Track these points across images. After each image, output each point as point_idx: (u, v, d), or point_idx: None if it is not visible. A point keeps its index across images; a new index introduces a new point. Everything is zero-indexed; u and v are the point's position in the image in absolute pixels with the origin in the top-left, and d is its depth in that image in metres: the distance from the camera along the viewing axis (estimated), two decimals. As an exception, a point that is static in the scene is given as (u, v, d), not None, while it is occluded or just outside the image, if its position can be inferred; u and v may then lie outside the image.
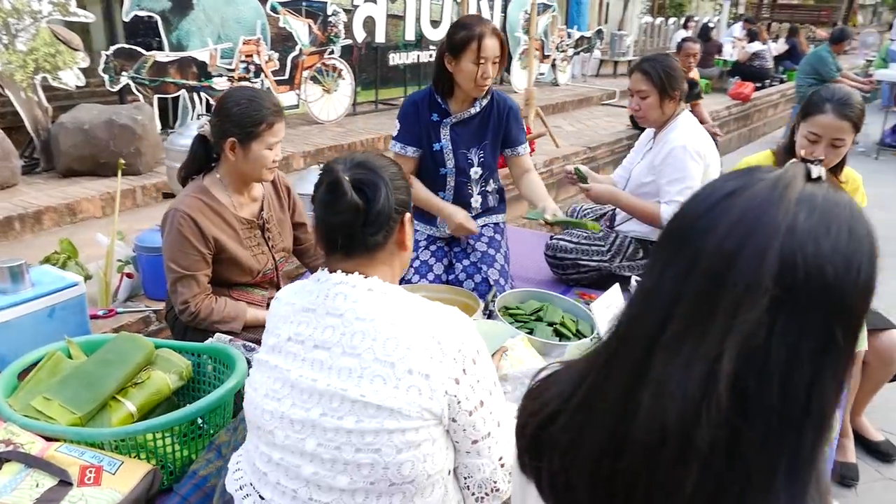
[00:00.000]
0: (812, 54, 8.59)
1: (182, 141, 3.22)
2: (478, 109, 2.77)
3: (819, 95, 2.45)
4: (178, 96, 5.90)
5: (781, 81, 11.88)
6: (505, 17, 9.65)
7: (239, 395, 1.75)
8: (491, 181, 2.93)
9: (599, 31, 11.34)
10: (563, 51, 10.56)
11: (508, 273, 2.90)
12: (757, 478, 0.68)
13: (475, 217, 2.92)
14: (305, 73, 6.83)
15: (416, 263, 2.84)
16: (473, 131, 2.81)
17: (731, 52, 11.46)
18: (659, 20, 13.60)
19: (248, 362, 1.91)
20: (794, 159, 0.77)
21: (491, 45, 2.55)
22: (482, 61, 2.55)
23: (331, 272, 1.31)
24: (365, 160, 1.33)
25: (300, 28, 6.79)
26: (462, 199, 2.88)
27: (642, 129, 6.77)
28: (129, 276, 2.74)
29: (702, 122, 6.10)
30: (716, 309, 0.68)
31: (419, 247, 2.90)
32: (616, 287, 2.15)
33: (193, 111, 6.01)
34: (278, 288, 2.43)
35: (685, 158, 2.86)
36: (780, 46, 12.85)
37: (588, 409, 0.79)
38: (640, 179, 3.06)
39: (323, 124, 7.08)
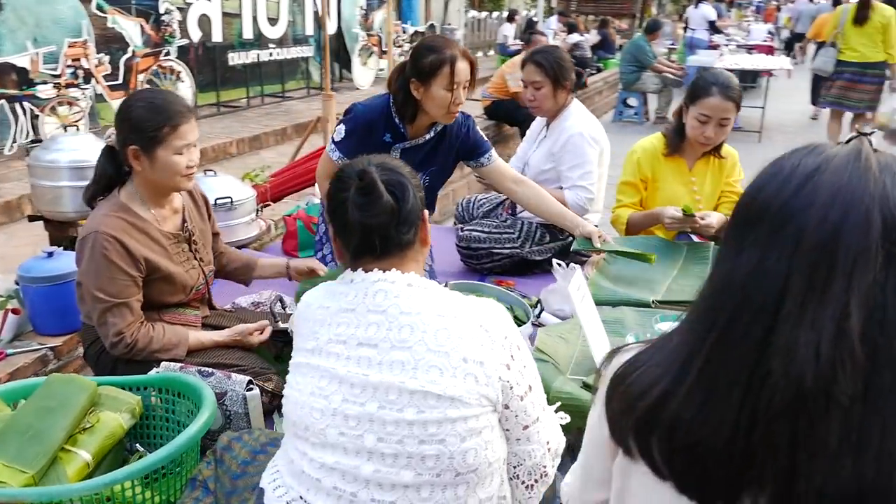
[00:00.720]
0: (631, 44, 9.40)
1: (48, 156, 2.86)
2: (432, 135, 2.64)
3: (704, 80, 2.70)
4: (-2, 107, 5.22)
5: (598, 70, 12.84)
6: (339, 14, 9.54)
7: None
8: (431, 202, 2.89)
9: (432, 26, 11.58)
10: (399, 46, 10.65)
11: (434, 270, 2.90)
12: (891, 422, 0.76)
13: None
14: (141, 77, 6.32)
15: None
16: (423, 157, 2.68)
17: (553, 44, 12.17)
18: (483, 14, 14.14)
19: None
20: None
21: (463, 69, 2.38)
22: (455, 87, 2.38)
23: (366, 272, 1.30)
24: (384, 162, 1.34)
25: (131, 28, 6.27)
26: None
27: (498, 120, 7.11)
28: (14, 311, 2.39)
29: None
30: (832, 276, 0.75)
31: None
32: (578, 268, 2.23)
33: (17, 124, 5.35)
34: (210, 305, 2.26)
35: (583, 145, 3.02)
36: (593, 38, 13.86)
37: (709, 386, 0.82)
38: (539, 167, 3.18)
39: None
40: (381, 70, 10.48)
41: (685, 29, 12.15)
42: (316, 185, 3.70)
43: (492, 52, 14.80)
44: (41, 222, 3.03)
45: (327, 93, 5.08)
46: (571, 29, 12.33)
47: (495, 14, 14.45)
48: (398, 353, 1.20)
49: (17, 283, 2.46)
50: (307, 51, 8.94)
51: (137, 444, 1.81)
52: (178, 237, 2.09)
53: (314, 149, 4.96)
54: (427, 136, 2.62)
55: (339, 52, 9.84)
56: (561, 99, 3.12)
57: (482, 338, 1.22)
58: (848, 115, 7.28)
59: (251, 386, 1.82)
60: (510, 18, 12.88)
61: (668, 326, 2.07)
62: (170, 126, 1.89)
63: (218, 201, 3.09)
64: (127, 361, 1.96)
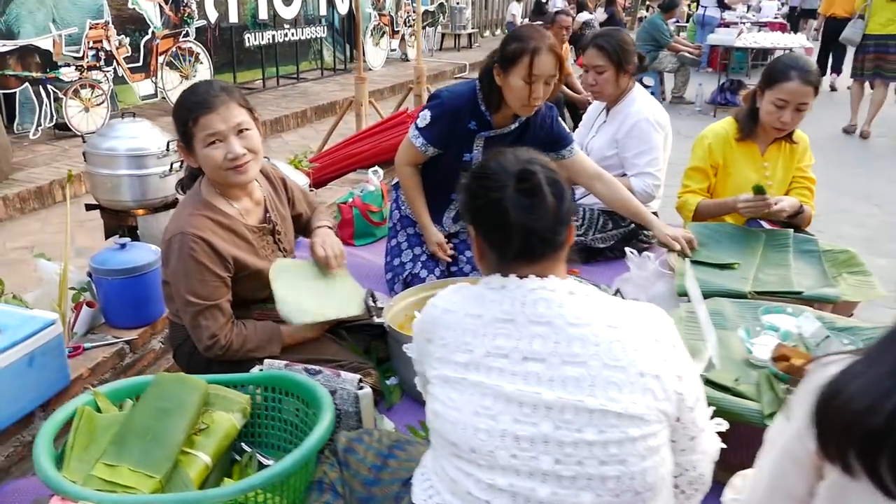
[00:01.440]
0: (648, 22, 9.27)
1: (106, 143, 2.78)
2: (517, 125, 2.57)
3: (783, 64, 2.64)
4: (18, 91, 5.11)
5: (608, 49, 12.72)
6: (352, -7, 9.38)
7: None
8: None
9: (441, 5, 11.42)
10: (410, 25, 10.50)
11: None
12: None
13: None
14: (161, 59, 6.20)
15: (424, 258, 2.71)
16: (507, 146, 2.63)
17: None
18: (491, -7, 13.99)
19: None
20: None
21: (545, 63, 2.29)
22: (533, 79, 2.29)
23: (520, 277, 1.22)
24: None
25: (151, 9, 6.14)
26: None
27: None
28: (90, 304, 2.33)
29: (577, 92, 6.41)
30: None
31: (420, 238, 2.76)
32: (688, 263, 2.18)
33: (41, 108, 5.24)
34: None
35: (649, 130, 2.97)
36: (600, 16, 13.71)
37: None
38: (602, 153, 3.12)
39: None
40: (393, 50, 10.35)
41: (697, 6, 11.99)
42: (371, 170, 3.65)
43: (499, 32, 14.64)
44: (76, 209, 2.95)
45: (360, 75, 4.99)
46: (581, 7, 12.18)
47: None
48: (571, 369, 1.14)
49: (89, 276, 2.40)
50: (320, 31, 8.81)
51: (243, 444, 1.76)
52: (263, 230, 2.03)
53: (345, 134, 4.89)
54: (512, 126, 2.55)
55: (351, 33, 9.70)
56: (623, 83, 3.06)
57: (655, 349, 1.17)
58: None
59: (361, 384, 1.78)
60: (519, -3, 12.73)
61: (777, 319, 2.04)
62: (192, 119, 1.81)
63: (275, 189, 3.02)
64: (220, 362, 1.91)
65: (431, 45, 11.62)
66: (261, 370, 1.83)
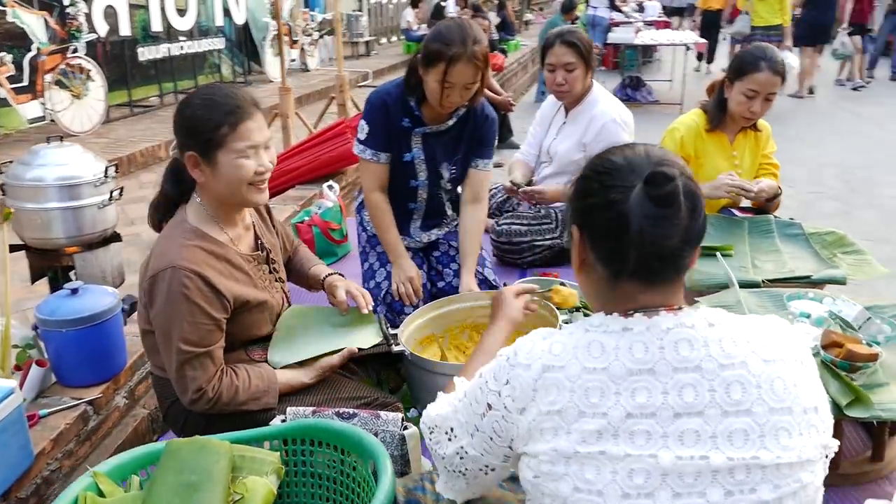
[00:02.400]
0: (549, 24, 9.44)
1: (31, 173, 2.40)
2: (454, 121, 2.43)
3: (752, 55, 2.66)
4: None
5: (503, 52, 12.86)
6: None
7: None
8: (459, 188, 2.68)
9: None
10: (309, 34, 10.18)
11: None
12: None
13: (451, 226, 2.69)
14: (48, 77, 5.62)
15: None
16: (447, 143, 2.47)
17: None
18: (384, -1, 13.81)
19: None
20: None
21: (462, 72, 2.16)
22: (447, 85, 2.18)
23: (646, 315, 1.00)
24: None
25: (34, 23, 5.56)
26: (435, 209, 2.60)
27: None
28: (39, 363, 1.98)
29: (497, 93, 6.37)
30: None
31: (391, 258, 2.56)
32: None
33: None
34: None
35: (617, 131, 2.90)
36: (493, 19, 13.87)
37: None
38: (568, 157, 3.02)
39: (77, 136, 5.90)
40: (293, 61, 9.98)
41: (587, 6, 12.32)
42: (326, 185, 3.41)
43: (395, 39, 14.52)
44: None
45: (284, 86, 4.70)
46: (477, 10, 12.25)
47: (394, -1, 14.15)
48: (735, 421, 0.95)
49: (35, 329, 2.05)
50: (217, 43, 8.33)
51: (272, 507, 1.52)
52: (258, 258, 1.80)
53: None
54: (450, 122, 2.42)
55: (246, 43, 9.26)
56: (588, 82, 2.99)
57: (807, 376, 1.01)
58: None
59: (406, 424, 1.58)
60: (413, 3, 12.62)
61: (803, 305, 2.01)
62: (228, 125, 1.59)
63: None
64: (221, 416, 1.67)
65: (330, 53, 11.32)
66: (283, 420, 1.60)
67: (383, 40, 13.62)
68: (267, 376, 1.72)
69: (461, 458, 1.13)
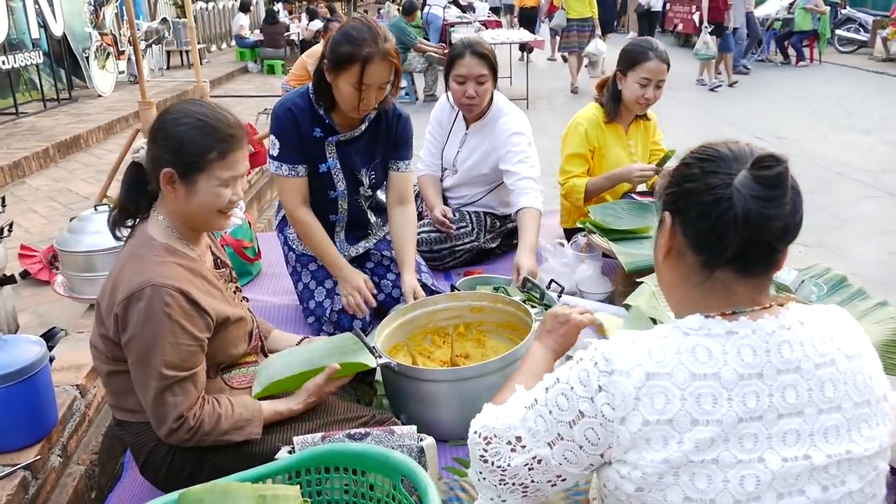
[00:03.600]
0: (392, 25, 9.45)
1: None
2: (366, 125, 2.36)
3: (639, 47, 2.87)
4: None
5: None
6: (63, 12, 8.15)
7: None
8: (379, 192, 2.62)
9: (164, 20, 10.47)
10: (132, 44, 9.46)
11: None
12: None
13: (379, 235, 2.64)
14: None
15: (339, 289, 2.41)
16: (363, 149, 2.40)
17: (297, 32, 11.83)
18: (210, 5, 13.11)
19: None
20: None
21: (378, 72, 2.09)
22: (364, 87, 2.10)
23: (748, 317, 1.00)
24: (765, 149, 1.01)
25: None
26: (358, 219, 2.52)
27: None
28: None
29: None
30: None
31: (326, 274, 2.46)
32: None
33: None
34: (264, 353, 1.85)
35: (523, 143, 2.89)
36: (318, 24, 13.71)
37: None
38: (476, 171, 3.00)
39: None
40: (122, 73, 9.26)
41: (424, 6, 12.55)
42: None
43: (225, 45, 13.90)
44: None
45: (145, 100, 4.35)
46: (313, 15, 12.08)
47: (221, 4, 13.51)
48: (828, 418, 0.98)
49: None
50: (34, 57, 7.50)
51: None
52: (223, 275, 1.70)
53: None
54: (362, 127, 2.36)
55: (66, 57, 8.43)
56: (492, 94, 2.95)
57: (876, 364, 1.05)
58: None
59: (421, 436, 1.55)
60: (244, 8, 12.16)
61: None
62: (218, 152, 1.52)
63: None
64: (207, 459, 1.55)
65: (160, 63, 10.62)
66: (291, 451, 1.51)
67: (214, 48, 12.99)
68: (251, 405, 1.61)
69: (530, 469, 1.07)
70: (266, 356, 1.83)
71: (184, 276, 1.49)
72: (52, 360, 2.10)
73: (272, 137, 2.33)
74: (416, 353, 2.10)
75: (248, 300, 1.79)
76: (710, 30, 9.91)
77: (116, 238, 1.60)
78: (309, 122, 2.29)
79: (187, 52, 11.56)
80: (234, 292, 1.72)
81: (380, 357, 1.81)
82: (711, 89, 10.22)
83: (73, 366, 2.22)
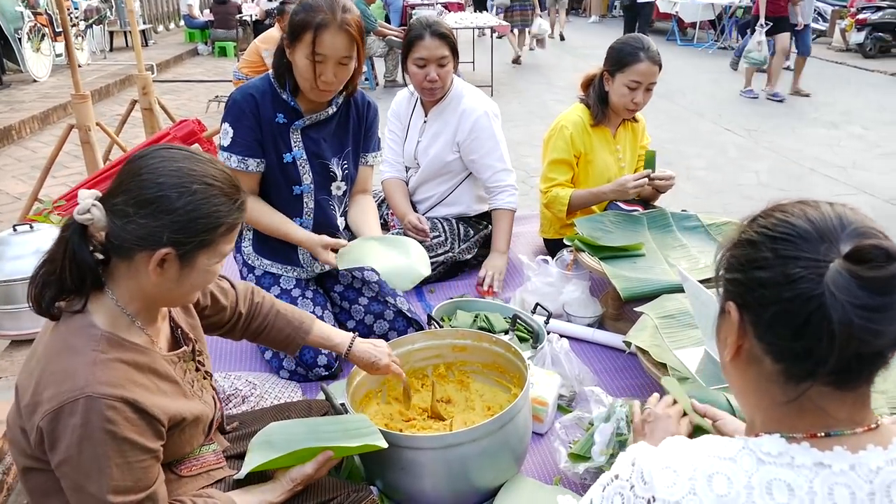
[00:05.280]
0: (351, 8, 9.10)
1: None
2: (335, 108, 2.13)
3: (630, 46, 2.62)
4: None
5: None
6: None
7: None
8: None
9: (107, 0, 9.84)
10: (74, 24, 8.86)
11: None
12: None
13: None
14: None
15: (297, 294, 2.17)
16: (333, 135, 2.17)
17: (250, 12, 11.29)
18: (157, -18, 12.44)
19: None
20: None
21: (332, 42, 1.89)
22: (318, 59, 1.91)
23: (845, 447, 0.78)
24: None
25: None
26: (326, 224, 2.23)
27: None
28: None
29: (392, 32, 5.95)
30: None
31: (291, 297, 2.17)
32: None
33: None
34: (223, 430, 1.54)
35: (491, 126, 2.73)
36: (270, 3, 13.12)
37: None
38: (441, 160, 2.78)
39: None
40: (59, 56, 8.65)
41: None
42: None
43: (173, 26, 13.24)
44: None
45: (80, 93, 3.92)
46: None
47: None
48: None
49: None
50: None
51: None
52: (183, 356, 1.35)
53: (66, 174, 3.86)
54: (330, 110, 2.14)
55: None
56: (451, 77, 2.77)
57: None
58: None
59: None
60: (191, -14, 11.55)
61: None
62: (226, 225, 1.20)
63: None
64: None
65: (101, 45, 10.00)
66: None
67: (160, 28, 12.34)
68: None
69: None
70: (223, 433, 1.53)
71: (128, 377, 1.15)
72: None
73: (225, 126, 2.08)
74: (390, 400, 1.85)
75: (210, 376, 1.46)
76: (767, 28, 7.67)
77: (51, 317, 1.21)
78: (271, 106, 2.06)
79: (131, 32, 10.92)
80: (196, 371, 1.39)
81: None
82: (780, 100, 8.11)
83: (-12, 422, 1.88)
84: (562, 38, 13.90)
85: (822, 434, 0.78)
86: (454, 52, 2.65)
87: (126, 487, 1.12)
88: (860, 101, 8.38)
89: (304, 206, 2.18)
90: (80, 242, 1.16)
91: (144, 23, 11.21)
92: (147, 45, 11.16)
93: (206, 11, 11.60)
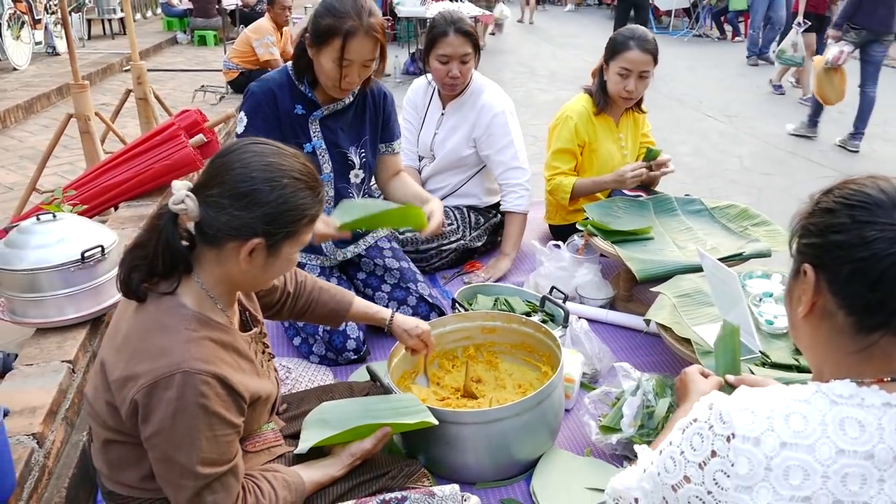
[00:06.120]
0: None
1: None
2: (351, 98, 2.20)
3: (622, 36, 2.72)
4: None
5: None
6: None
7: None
8: (371, 183, 2.40)
9: (82, -14, 9.67)
10: (53, 12, 8.71)
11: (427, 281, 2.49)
12: None
13: (369, 240, 2.43)
14: None
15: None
16: (350, 125, 2.23)
17: (233, 3, 11.15)
18: (131, -30, 12.22)
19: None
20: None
21: (361, 48, 1.97)
22: (345, 63, 1.98)
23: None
24: None
25: None
26: None
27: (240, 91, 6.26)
28: None
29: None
30: None
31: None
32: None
33: None
34: (277, 412, 1.61)
35: (508, 123, 2.80)
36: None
37: None
38: (457, 154, 2.86)
39: None
40: (39, 44, 8.51)
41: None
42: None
43: (150, 14, 13.04)
44: None
45: (78, 82, 3.90)
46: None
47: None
48: None
49: None
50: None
51: None
52: (255, 337, 1.43)
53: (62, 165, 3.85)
54: (347, 100, 2.21)
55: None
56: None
57: None
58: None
59: (464, 495, 1.36)
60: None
61: (761, 284, 2.09)
62: (309, 217, 1.28)
63: (86, 255, 2.22)
64: None
65: (80, 34, 9.83)
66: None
67: (138, 16, 12.14)
68: (294, 485, 1.37)
69: None
70: (277, 415, 1.59)
71: (217, 355, 1.22)
72: (6, 413, 1.80)
73: (241, 115, 2.15)
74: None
75: (273, 357, 1.53)
76: (805, 27, 6.90)
77: (138, 299, 1.26)
78: (289, 98, 2.13)
79: (110, 20, 10.77)
80: (263, 353, 1.46)
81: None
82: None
83: (26, 409, 1.91)
84: (531, 23, 14.60)
85: (889, 379, 0.88)
86: (476, 49, 2.70)
87: (212, 460, 1.19)
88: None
89: (325, 194, 2.23)
90: (173, 230, 1.23)
91: (121, 10, 11.01)
92: (125, 33, 10.99)
93: (187, 0, 11.45)
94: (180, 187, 1.21)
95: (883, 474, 0.83)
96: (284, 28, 6.36)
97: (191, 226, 1.25)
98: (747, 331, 1.83)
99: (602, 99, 2.83)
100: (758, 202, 4.70)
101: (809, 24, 6.79)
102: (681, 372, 1.40)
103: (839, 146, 6.08)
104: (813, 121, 6.29)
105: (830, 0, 7.04)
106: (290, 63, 2.17)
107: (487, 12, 9.97)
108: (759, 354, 1.77)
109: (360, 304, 1.76)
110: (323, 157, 2.19)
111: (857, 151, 5.94)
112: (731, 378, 1.45)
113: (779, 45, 7.81)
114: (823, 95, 5.80)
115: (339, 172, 2.23)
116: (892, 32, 5.59)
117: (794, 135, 6.41)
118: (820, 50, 6.66)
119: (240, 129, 2.12)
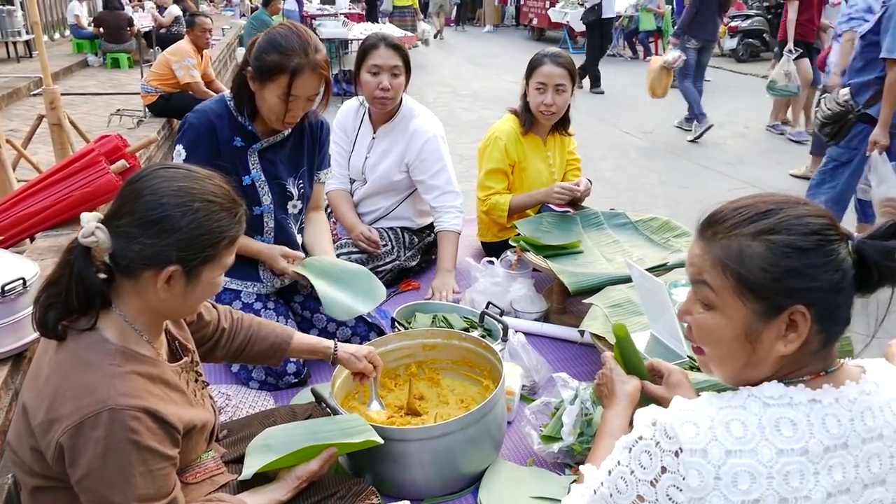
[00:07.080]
0: (255, 18, 9.00)
1: None
2: (289, 130, 2.18)
3: (537, 55, 2.89)
4: None
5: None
6: None
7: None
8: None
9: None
10: (-49, 35, 8.28)
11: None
12: None
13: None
14: None
15: (257, 306, 2.21)
16: (288, 156, 2.22)
17: (146, 25, 10.89)
18: (37, -9, 11.72)
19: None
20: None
21: (307, 85, 1.98)
22: (291, 99, 1.98)
23: (831, 384, 0.97)
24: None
25: None
26: (286, 241, 2.27)
27: (170, 116, 6.11)
28: None
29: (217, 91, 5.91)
30: None
31: (254, 310, 2.20)
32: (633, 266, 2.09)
33: None
34: (217, 438, 1.58)
35: (440, 148, 2.84)
36: (174, 11, 12.76)
37: None
38: (389, 178, 2.88)
39: None
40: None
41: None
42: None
43: (58, 35, 12.54)
44: None
45: (50, 87, 3.67)
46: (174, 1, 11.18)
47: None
48: None
49: None
50: None
51: None
52: (185, 366, 1.40)
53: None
54: (286, 132, 2.20)
55: None
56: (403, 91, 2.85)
57: None
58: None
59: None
60: (80, -5, 11.00)
61: (687, 292, 2.19)
62: (229, 238, 1.27)
63: (6, 288, 2.12)
64: None
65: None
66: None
67: (45, 38, 11.65)
68: None
69: None
70: (217, 441, 1.57)
71: (145, 388, 1.19)
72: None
73: (178, 147, 2.11)
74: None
75: (208, 385, 1.50)
76: (796, 54, 6.32)
77: (57, 338, 1.22)
78: (228, 129, 2.10)
79: (14, 43, 10.29)
80: (196, 381, 1.43)
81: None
82: (797, 141, 6.95)
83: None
84: (441, 38, 16.50)
85: (806, 378, 0.96)
86: (407, 66, 2.72)
87: (149, 496, 1.16)
88: (739, 103, 9.11)
89: (265, 225, 2.22)
90: (86, 264, 1.19)
91: (28, 32, 10.55)
92: (31, 56, 10.55)
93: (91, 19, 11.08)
94: (89, 219, 1.18)
95: (817, 467, 0.91)
96: (204, 50, 6.26)
97: (106, 257, 1.21)
98: (675, 337, 1.92)
99: (528, 119, 2.92)
100: (675, 214, 4.92)
101: (801, 51, 6.39)
102: (597, 374, 1.45)
103: (684, 129, 7.57)
104: (694, 116, 7.26)
105: (820, 28, 6.77)
106: (227, 93, 2.14)
107: (410, 33, 10.08)
108: (687, 359, 1.87)
109: (302, 337, 1.74)
110: (262, 188, 2.17)
111: (690, 130, 7.32)
112: (651, 361, 1.49)
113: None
114: (653, 90, 7.14)
115: (278, 204, 2.22)
116: (715, 41, 7.54)
117: (678, 127, 7.67)
118: (817, 77, 6.47)
119: (178, 160, 2.07)
